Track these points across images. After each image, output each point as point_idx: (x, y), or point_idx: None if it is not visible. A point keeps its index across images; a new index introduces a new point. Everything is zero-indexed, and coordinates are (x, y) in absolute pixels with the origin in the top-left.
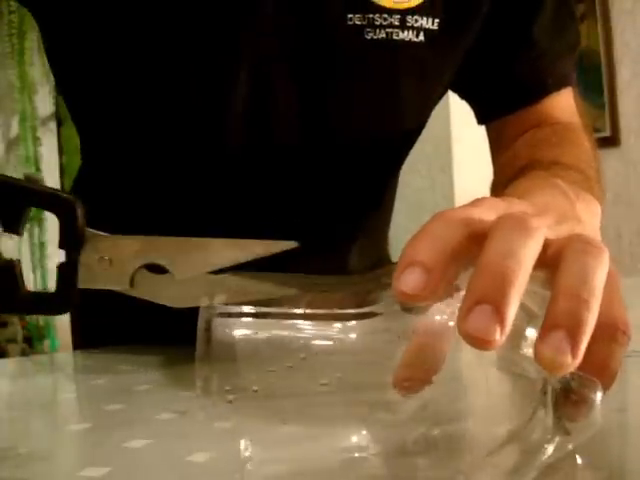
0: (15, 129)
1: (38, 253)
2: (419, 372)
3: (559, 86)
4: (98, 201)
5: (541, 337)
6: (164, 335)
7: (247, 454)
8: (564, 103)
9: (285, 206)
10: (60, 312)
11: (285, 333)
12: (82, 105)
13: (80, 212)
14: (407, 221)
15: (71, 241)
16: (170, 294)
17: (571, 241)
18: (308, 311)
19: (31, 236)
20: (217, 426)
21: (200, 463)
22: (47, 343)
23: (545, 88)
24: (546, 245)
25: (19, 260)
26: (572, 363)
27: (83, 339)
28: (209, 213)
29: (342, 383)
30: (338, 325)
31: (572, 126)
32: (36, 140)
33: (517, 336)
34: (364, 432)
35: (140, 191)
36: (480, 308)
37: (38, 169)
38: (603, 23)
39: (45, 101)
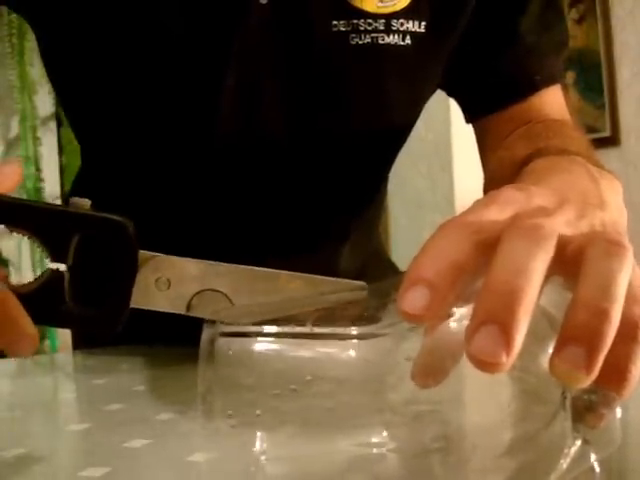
0: (15, 129)
1: (38, 253)
2: (435, 368)
3: (548, 83)
4: (98, 201)
5: (557, 350)
6: (164, 335)
7: (263, 447)
8: (553, 100)
9: (276, 205)
10: (107, 331)
11: (290, 354)
12: (79, 109)
13: (133, 234)
14: (407, 221)
15: (126, 265)
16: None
17: (593, 242)
18: (315, 330)
19: None
20: (217, 426)
21: (200, 463)
22: (47, 343)
23: (533, 84)
24: (565, 243)
25: (67, 271)
26: (588, 378)
27: (83, 339)
28: (202, 211)
29: (348, 407)
30: (344, 345)
31: (564, 122)
32: (36, 140)
33: (539, 346)
34: (381, 429)
35: (137, 191)
36: (486, 329)
37: (38, 169)
38: (603, 23)
39: (45, 101)
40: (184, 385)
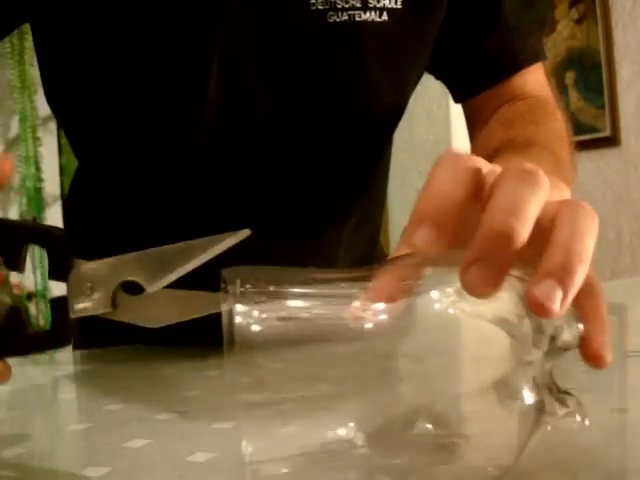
0: (15, 129)
1: (38, 255)
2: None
3: (530, 61)
4: (96, 197)
5: (533, 283)
6: (164, 335)
7: (249, 451)
8: (535, 78)
9: (271, 190)
10: (60, 347)
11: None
12: (68, 105)
13: (68, 246)
14: (407, 221)
15: (60, 273)
16: (148, 314)
17: (564, 203)
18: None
19: None
20: (217, 426)
21: (200, 463)
22: None
23: (517, 64)
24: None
25: (24, 304)
26: (560, 308)
27: (83, 339)
28: (198, 201)
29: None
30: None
31: (544, 100)
32: (36, 140)
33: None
34: (359, 423)
35: (132, 184)
36: (480, 264)
37: (38, 169)
38: (603, 23)
39: (45, 101)
40: (184, 385)
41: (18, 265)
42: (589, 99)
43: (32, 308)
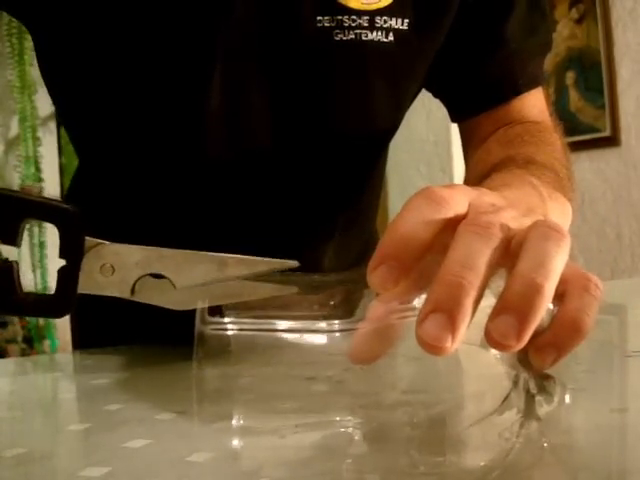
0: (15, 129)
1: (38, 253)
2: (374, 348)
3: (529, 86)
4: (94, 200)
5: (491, 318)
6: (164, 335)
7: (247, 450)
8: (534, 102)
9: (262, 206)
10: (58, 315)
11: (267, 346)
12: (72, 112)
13: (80, 222)
14: None
15: (72, 251)
16: (170, 298)
17: (533, 226)
18: (291, 327)
19: (31, 236)
20: (217, 426)
21: (200, 463)
22: (47, 343)
23: (516, 88)
24: (510, 236)
25: (17, 262)
26: (517, 346)
27: (83, 339)
28: (193, 214)
29: (319, 396)
30: (324, 327)
31: (543, 125)
32: (36, 140)
33: None
34: (355, 422)
35: (131, 192)
36: (434, 316)
37: (38, 169)
38: (603, 23)
39: (45, 101)
40: (184, 385)
41: (14, 239)
42: (589, 99)
43: None
